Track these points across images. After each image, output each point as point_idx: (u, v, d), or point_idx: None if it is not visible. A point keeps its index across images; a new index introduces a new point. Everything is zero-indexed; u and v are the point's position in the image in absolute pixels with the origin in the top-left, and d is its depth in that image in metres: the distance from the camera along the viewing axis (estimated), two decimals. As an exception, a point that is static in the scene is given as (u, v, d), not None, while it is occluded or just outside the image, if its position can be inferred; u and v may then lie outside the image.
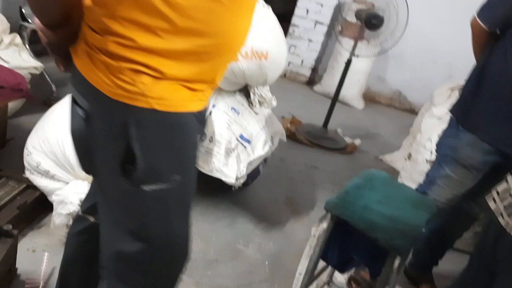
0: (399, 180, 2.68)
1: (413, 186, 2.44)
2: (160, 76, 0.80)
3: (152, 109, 0.81)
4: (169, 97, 0.82)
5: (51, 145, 1.78)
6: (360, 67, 4.08)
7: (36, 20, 0.87)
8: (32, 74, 2.46)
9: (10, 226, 1.43)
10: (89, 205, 1.13)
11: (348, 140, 3.44)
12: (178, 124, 0.85)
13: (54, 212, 1.69)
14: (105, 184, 0.92)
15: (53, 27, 0.86)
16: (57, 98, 2.68)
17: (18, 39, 2.46)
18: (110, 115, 0.83)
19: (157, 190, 0.86)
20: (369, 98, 4.59)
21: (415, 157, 2.58)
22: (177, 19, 0.78)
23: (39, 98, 2.61)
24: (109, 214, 0.94)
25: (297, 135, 3.23)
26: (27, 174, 1.84)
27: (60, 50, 0.90)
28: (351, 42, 3.37)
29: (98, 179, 0.95)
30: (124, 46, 0.79)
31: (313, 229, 2.05)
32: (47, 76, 2.69)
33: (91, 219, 1.13)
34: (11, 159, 2.07)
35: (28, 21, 2.61)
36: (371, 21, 2.91)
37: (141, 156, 0.83)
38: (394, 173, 3.00)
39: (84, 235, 1.16)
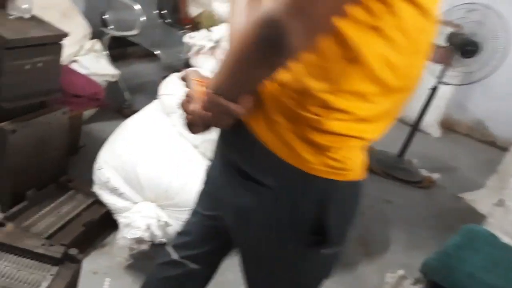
0: (486, 227, 2.40)
1: (505, 237, 2.16)
2: (362, 144, 0.78)
3: (349, 181, 0.79)
4: (361, 166, 0.81)
5: (123, 162, 1.71)
6: (441, 92, 3.77)
7: (220, 99, 0.74)
8: (107, 81, 2.44)
9: (76, 251, 1.35)
10: (194, 253, 1.07)
11: (424, 172, 3.17)
12: (362, 189, 0.85)
13: (119, 235, 1.61)
14: (275, 250, 0.87)
15: (236, 100, 0.75)
16: (130, 106, 2.67)
17: (98, 45, 2.45)
18: (304, 190, 0.79)
19: (334, 251, 0.87)
20: (447, 126, 4.25)
21: (508, 204, 2.29)
22: (390, 80, 0.73)
23: (112, 106, 2.59)
24: (270, 275, 0.93)
25: (369, 164, 3.01)
26: (96, 188, 1.78)
27: (227, 121, 0.78)
28: (434, 66, 3.11)
29: (262, 245, 0.88)
30: (342, 121, 0.73)
31: (387, 276, 1.85)
32: (121, 84, 2.67)
33: (193, 265, 1.06)
34: (82, 167, 2.02)
35: (108, 27, 2.60)
36: (466, 48, 2.64)
37: (332, 226, 0.81)
38: (476, 215, 2.70)
39: (180, 281, 1.09)
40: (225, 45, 2.00)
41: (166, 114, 1.90)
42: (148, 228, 1.57)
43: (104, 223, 1.74)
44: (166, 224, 1.66)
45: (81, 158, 2.20)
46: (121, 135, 1.81)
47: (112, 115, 2.58)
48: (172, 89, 1.88)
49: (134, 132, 1.79)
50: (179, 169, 1.72)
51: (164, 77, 2.01)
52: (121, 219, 1.62)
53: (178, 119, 1.84)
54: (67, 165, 1.98)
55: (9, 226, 1.51)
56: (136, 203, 1.68)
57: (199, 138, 1.83)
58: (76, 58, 2.30)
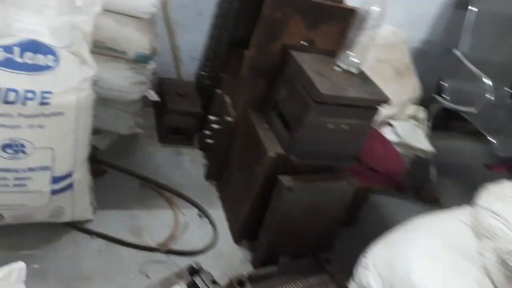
0: None
1: None
2: None
3: None
4: None
5: (393, 275, 1.29)
6: None
7: None
8: (415, 156, 2.05)
9: None
10: None
11: None
12: None
13: None
14: None
15: None
16: (432, 190, 2.21)
17: (422, 113, 2.09)
18: None
19: None
20: None
21: None
22: None
23: (411, 183, 2.18)
24: None
25: None
26: (352, 285, 1.43)
27: None
28: None
29: None
30: None
31: None
32: (430, 160, 2.23)
33: None
34: (352, 243, 1.68)
35: (442, 96, 2.20)
36: None
37: None
38: None
39: None
40: None
41: (475, 233, 1.36)
42: None
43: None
44: None
45: (355, 231, 1.90)
46: (405, 238, 1.39)
47: (408, 193, 2.19)
48: (498, 207, 1.32)
49: (422, 243, 1.34)
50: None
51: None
52: None
53: (489, 250, 1.29)
54: (335, 238, 1.70)
55: (247, 289, 1.35)
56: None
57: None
58: (392, 121, 2.01)
